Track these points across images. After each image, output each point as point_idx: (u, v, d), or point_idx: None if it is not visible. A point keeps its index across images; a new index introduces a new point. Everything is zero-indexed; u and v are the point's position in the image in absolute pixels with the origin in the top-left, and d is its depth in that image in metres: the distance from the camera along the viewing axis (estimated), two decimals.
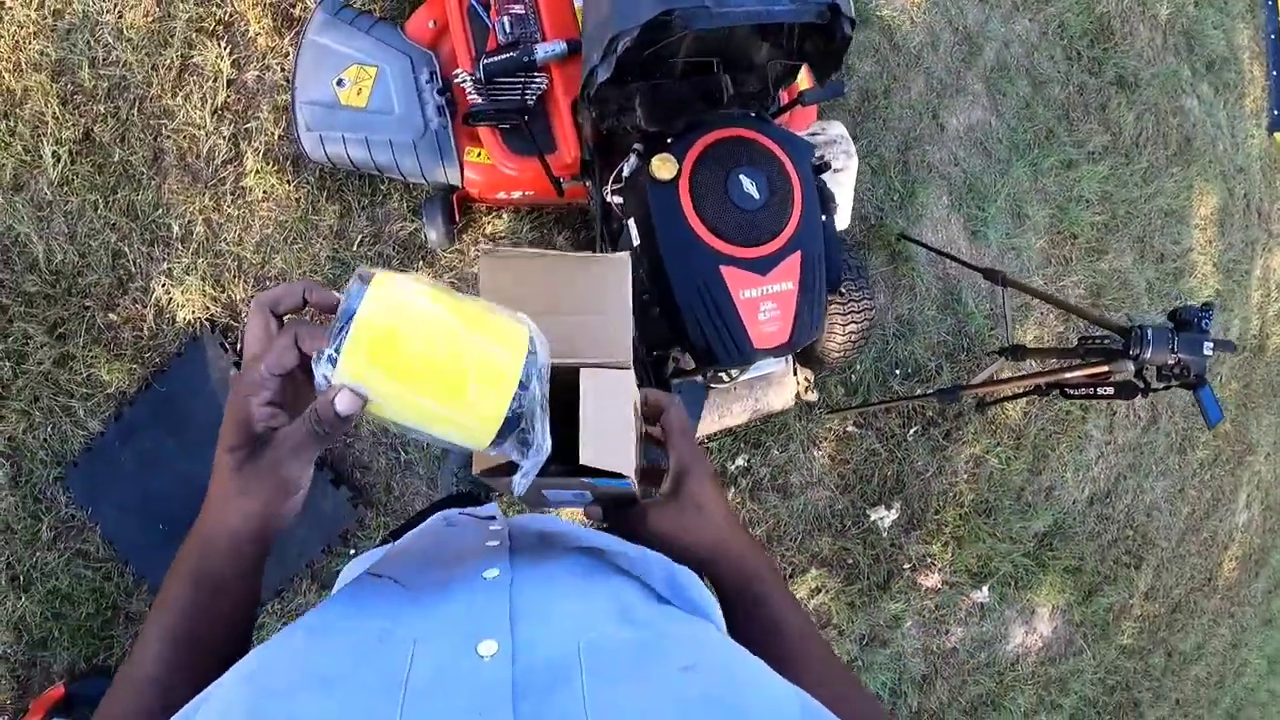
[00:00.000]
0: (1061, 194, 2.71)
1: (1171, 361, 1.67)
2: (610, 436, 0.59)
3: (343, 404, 0.47)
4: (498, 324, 0.50)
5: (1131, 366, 1.71)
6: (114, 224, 1.91)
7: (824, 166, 1.67)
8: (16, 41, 1.88)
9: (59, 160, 1.88)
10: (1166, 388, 1.73)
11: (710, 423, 1.78)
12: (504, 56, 1.66)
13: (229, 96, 1.95)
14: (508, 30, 1.73)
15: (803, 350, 2.18)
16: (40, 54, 1.88)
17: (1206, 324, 1.68)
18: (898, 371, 2.45)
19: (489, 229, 2.03)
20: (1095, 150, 2.78)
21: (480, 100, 1.70)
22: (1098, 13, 2.82)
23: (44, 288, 1.88)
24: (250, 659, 0.44)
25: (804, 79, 2.18)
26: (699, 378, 1.69)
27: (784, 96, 1.76)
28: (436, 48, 1.85)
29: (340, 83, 1.82)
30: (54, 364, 1.88)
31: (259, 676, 0.42)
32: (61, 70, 1.89)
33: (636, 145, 1.58)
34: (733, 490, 2.26)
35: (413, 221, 1.99)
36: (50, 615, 1.91)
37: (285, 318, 0.53)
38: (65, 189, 1.89)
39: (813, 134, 1.92)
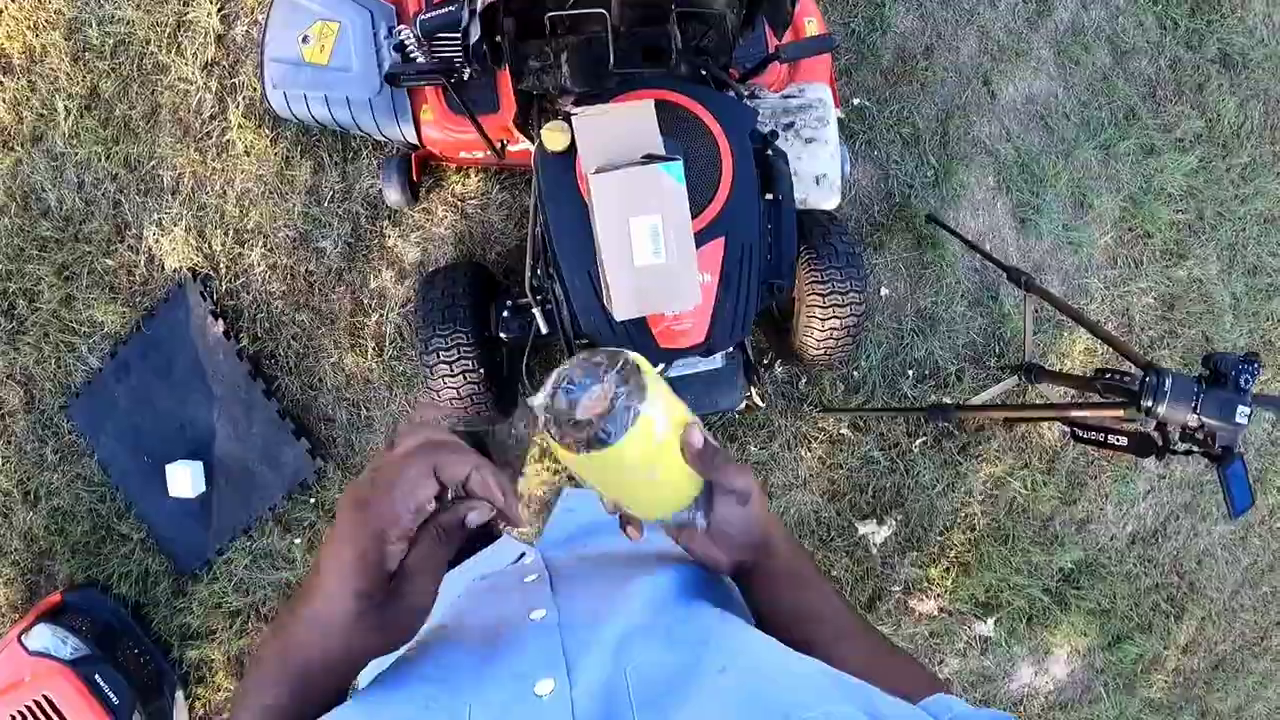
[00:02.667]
0: (1137, 184, 2.29)
1: (1192, 424, 1.32)
2: None
3: (475, 518, 0.50)
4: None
5: (1146, 417, 1.39)
6: (114, 175, 2.02)
7: (770, 137, 1.47)
8: (38, 1, 2.01)
9: (69, 114, 2.00)
10: (1188, 453, 1.39)
11: None
12: (442, 11, 1.58)
13: (218, 52, 1.99)
14: None
15: (778, 344, 1.99)
16: (56, 13, 2.00)
17: (1247, 381, 1.29)
18: (910, 373, 2.19)
19: (457, 189, 1.98)
20: (1184, 137, 2.33)
21: (420, 58, 1.63)
22: None
23: (55, 233, 2.03)
24: None
25: (815, 26, 1.95)
26: None
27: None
28: (400, 1, 1.80)
29: (305, 39, 1.81)
30: (60, 303, 2.03)
31: None
32: (73, 29, 2.00)
33: (567, 108, 1.47)
34: None
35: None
36: (53, 529, 2.10)
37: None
38: (75, 141, 2.02)
39: (787, 96, 1.71)
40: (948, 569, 2.23)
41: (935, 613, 2.24)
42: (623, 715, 0.41)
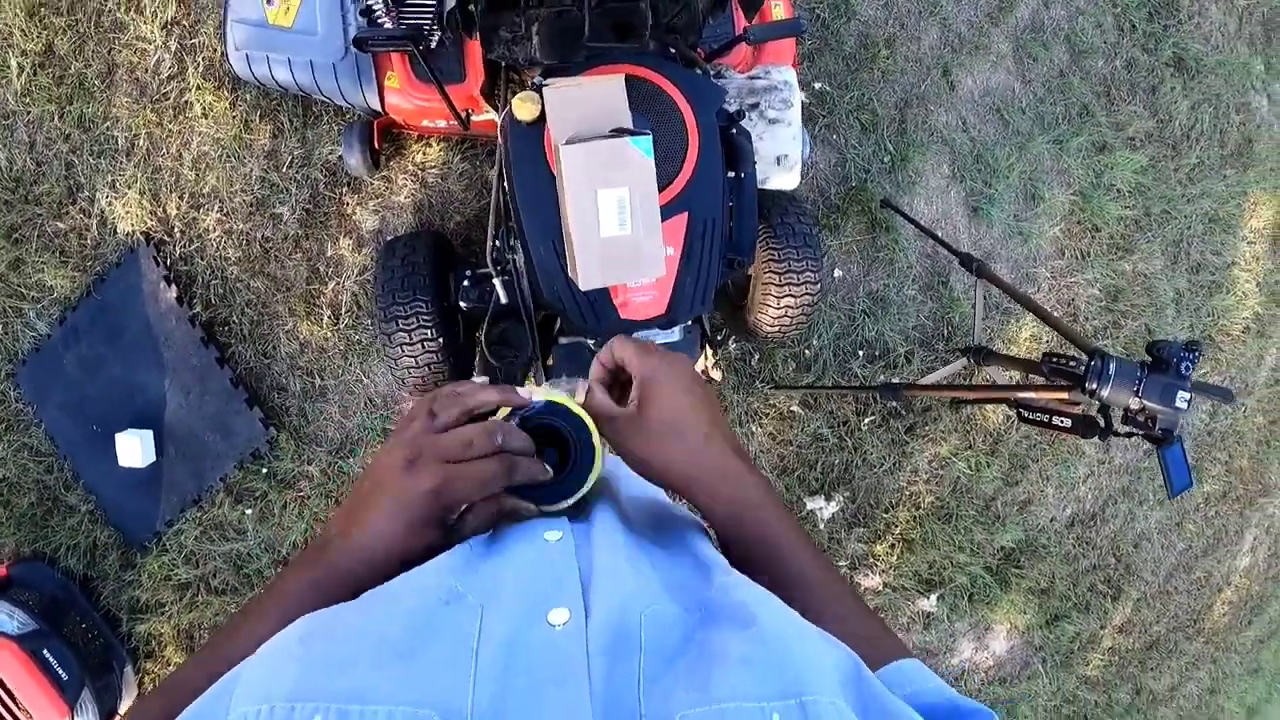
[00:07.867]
0: (1087, 179, 2.38)
1: (1134, 407, 1.38)
2: None
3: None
4: None
5: (1090, 400, 1.46)
6: (67, 135, 1.97)
7: (736, 116, 1.50)
8: None
9: (22, 72, 1.95)
10: (1129, 435, 1.47)
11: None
12: None
13: (178, 11, 1.95)
14: None
15: (734, 319, 2.03)
16: None
17: (1187, 368, 1.36)
18: (861, 353, 2.25)
19: (418, 158, 1.98)
20: (1136, 136, 2.43)
21: (387, 24, 1.62)
22: None
23: (3, 194, 1.97)
24: (309, 618, 0.43)
25: (783, 10, 1.98)
26: (587, 339, 1.59)
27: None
28: None
29: (269, 1, 1.79)
30: (8, 267, 1.98)
31: (314, 641, 0.40)
32: None
33: (536, 80, 1.48)
34: None
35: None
36: None
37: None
38: (28, 99, 1.96)
39: (753, 77, 1.74)
40: (893, 545, 2.30)
41: (880, 588, 2.32)
42: (630, 658, 0.39)
